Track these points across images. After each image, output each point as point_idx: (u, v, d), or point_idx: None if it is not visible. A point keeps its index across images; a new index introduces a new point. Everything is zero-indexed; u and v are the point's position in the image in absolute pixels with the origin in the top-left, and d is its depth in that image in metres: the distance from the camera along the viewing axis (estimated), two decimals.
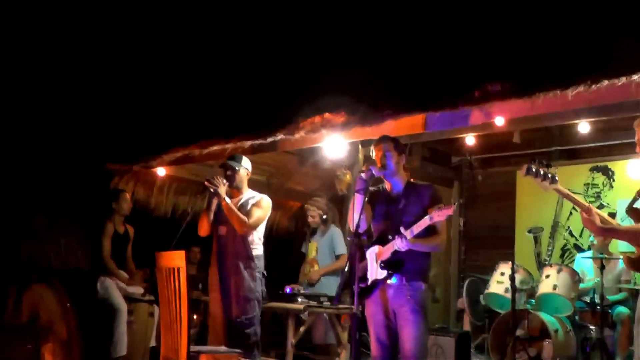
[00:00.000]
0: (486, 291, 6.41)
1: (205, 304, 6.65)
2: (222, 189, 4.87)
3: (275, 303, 5.60)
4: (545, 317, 5.94)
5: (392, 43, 6.23)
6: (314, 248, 6.61)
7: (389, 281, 3.82)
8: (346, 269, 3.60)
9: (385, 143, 3.99)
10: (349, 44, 6.47)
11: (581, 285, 6.18)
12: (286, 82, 6.55)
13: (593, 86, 4.55)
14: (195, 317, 6.90)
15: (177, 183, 7.45)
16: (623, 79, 4.43)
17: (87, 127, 6.95)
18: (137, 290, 6.12)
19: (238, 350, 4.52)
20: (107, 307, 5.84)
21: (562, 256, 7.59)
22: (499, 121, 5.11)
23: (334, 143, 6.14)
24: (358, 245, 3.70)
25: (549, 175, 3.42)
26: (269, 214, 5.13)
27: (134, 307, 6.05)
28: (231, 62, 7.15)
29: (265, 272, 5.04)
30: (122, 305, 5.88)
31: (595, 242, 6.34)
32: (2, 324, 5.29)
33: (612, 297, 6.11)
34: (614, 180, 7.38)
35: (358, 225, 3.69)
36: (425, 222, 3.66)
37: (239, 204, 5.03)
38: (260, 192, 5.20)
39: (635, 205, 3.53)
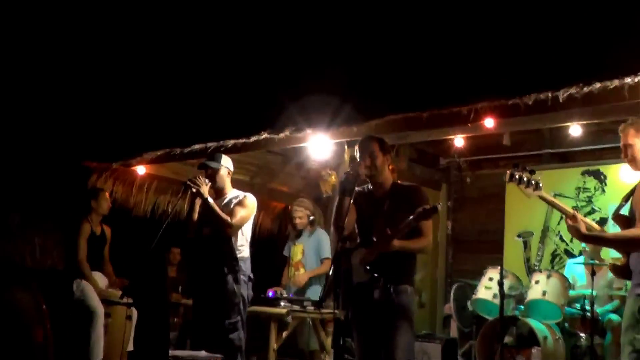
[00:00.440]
0: (474, 297, 6.32)
1: (186, 307, 6.53)
2: (205, 189, 4.76)
3: (257, 307, 5.47)
4: (534, 323, 5.85)
5: (380, 41, 6.13)
6: (300, 251, 6.49)
7: (374, 284, 3.72)
8: (330, 272, 3.48)
9: (370, 143, 3.90)
10: (335, 42, 6.36)
11: (572, 293, 6.10)
12: (271, 80, 6.42)
13: (585, 88, 4.48)
14: (175, 320, 6.77)
15: (158, 182, 7.31)
16: (615, 82, 4.36)
17: (63, 122, 6.77)
18: (115, 292, 5.97)
19: (219, 355, 4.41)
20: (83, 310, 5.69)
21: (552, 261, 7.46)
22: (489, 122, 5.00)
23: (319, 143, 6.02)
24: (342, 248, 3.59)
25: (533, 182, 3.39)
26: (254, 213, 5.02)
27: (111, 310, 5.89)
28: (215, 59, 7.01)
29: (252, 275, 4.92)
30: (99, 308, 5.72)
31: (587, 248, 6.26)
32: None
33: (602, 309, 6.01)
34: (606, 185, 7.23)
35: (342, 228, 3.59)
36: (409, 223, 3.58)
37: (223, 203, 4.92)
38: (244, 192, 5.06)
39: (621, 212, 3.48)
